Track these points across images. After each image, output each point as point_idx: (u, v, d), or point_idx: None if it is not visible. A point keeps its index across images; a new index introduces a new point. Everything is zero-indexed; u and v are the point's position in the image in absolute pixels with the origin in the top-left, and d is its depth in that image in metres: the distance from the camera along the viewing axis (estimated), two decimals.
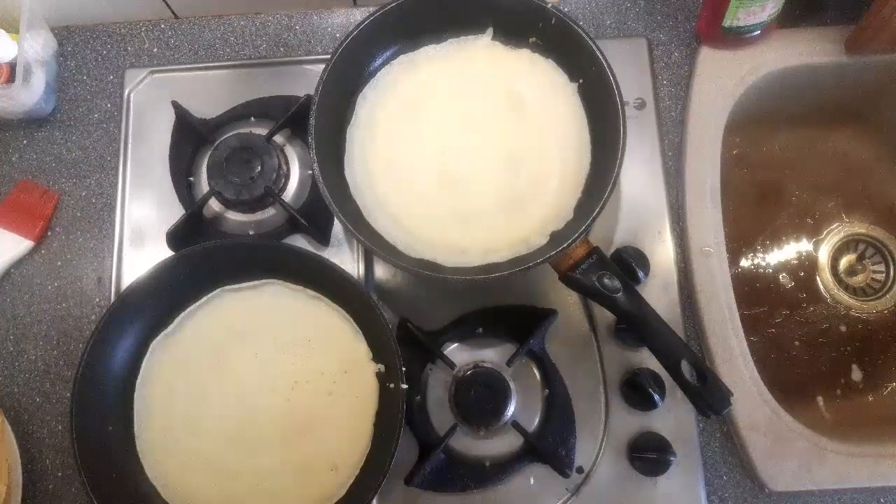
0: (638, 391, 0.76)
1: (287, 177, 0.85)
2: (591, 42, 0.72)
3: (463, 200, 0.75)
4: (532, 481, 0.77)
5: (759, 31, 0.84)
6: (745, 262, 1.02)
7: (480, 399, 0.76)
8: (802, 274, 1.01)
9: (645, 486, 0.76)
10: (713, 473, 0.78)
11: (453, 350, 0.80)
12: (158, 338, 0.77)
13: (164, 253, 0.80)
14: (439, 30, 0.80)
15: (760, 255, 1.02)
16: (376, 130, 0.78)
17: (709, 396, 0.64)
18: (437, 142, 0.77)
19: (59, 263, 0.86)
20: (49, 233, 0.87)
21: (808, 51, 0.87)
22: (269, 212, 0.85)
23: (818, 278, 1.01)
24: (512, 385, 0.77)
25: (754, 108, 0.91)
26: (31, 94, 0.86)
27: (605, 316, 0.80)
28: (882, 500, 0.77)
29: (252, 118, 0.87)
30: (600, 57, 0.72)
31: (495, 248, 0.73)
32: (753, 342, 0.95)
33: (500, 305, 0.81)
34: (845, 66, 0.88)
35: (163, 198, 0.85)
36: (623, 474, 0.76)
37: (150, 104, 0.89)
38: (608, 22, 0.91)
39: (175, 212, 0.84)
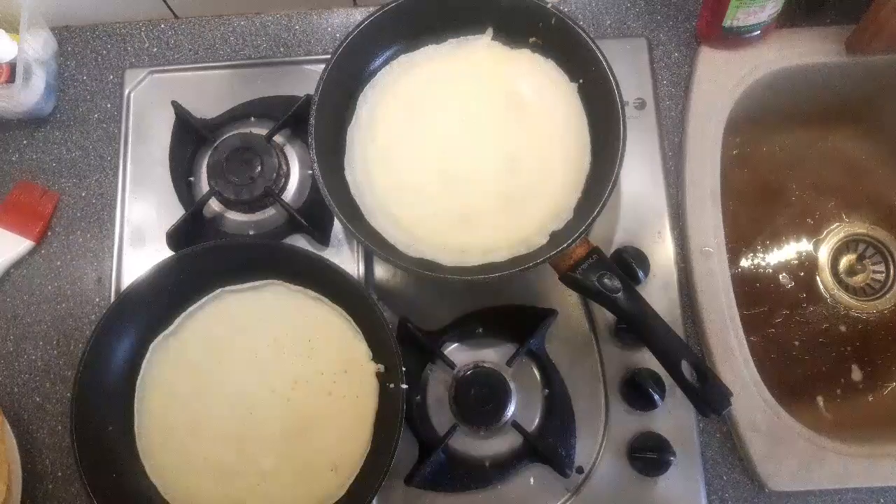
0: (638, 391, 0.76)
1: (287, 177, 0.85)
2: (591, 42, 0.72)
3: (463, 200, 0.75)
4: (532, 481, 0.77)
5: (759, 31, 0.84)
6: (745, 262, 1.02)
7: (480, 399, 0.76)
8: (802, 274, 1.01)
9: (645, 486, 0.76)
10: (713, 473, 0.78)
11: (453, 350, 0.80)
12: (159, 338, 0.77)
13: (164, 253, 0.80)
14: (439, 30, 0.80)
15: (760, 255, 1.02)
16: (376, 130, 0.78)
17: (709, 396, 0.64)
18: (438, 142, 0.77)
19: (59, 263, 0.86)
20: (49, 233, 0.87)
21: (808, 51, 0.87)
22: (269, 212, 0.85)
23: (818, 278, 1.01)
24: (512, 385, 0.77)
25: (754, 108, 0.91)
26: (31, 94, 0.86)
27: (605, 316, 0.80)
28: (882, 500, 0.77)
29: (252, 118, 0.87)
30: (600, 57, 0.72)
31: (495, 247, 0.73)
32: (753, 342, 0.95)
33: (500, 305, 0.81)
34: (845, 66, 0.88)
35: (163, 198, 0.85)
36: (623, 474, 0.76)
37: (150, 104, 0.89)
38: (608, 22, 0.91)
39: (175, 212, 0.84)
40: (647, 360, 0.78)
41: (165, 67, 0.91)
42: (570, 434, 0.77)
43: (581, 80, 0.76)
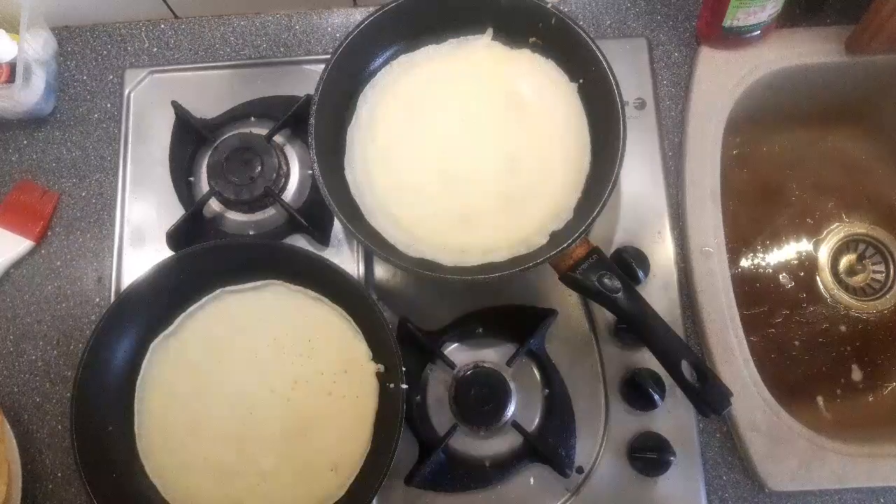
0: (638, 391, 0.76)
1: (287, 177, 0.85)
2: (591, 42, 0.72)
3: (463, 200, 0.75)
4: (532, 481, 0.77)
5: (759, 31, 0.84)
6: (745, 262, 1.02)
7: (480, 399, 0.76)
8: (802, 274, 1.01)
9: (645, 486, 0.76)
10: (713, 473, 0.78)
11: (453, 350, 0.80)
12: (159, 338, 0.77)
13: (164, 253, 0.80)
14: (439, 30, 0.80)
15: (760, 255, 1.02)
16: (376, 130, 0.78)
17: (709, 396, 0.64)
18: (438, 142, 0.77)
19: (59, 263, 0.86)
20: (49, 233, 0.87)
21: (808, 51, 0.87)
22: (269, 212, 0.85)
23: (818, 278, 1.01)
24: (512, 385, 0.77)
25: (754, 108, 0.91)
26: (31, 94, 0.86)
27: (605, 316, 0.80)
28: (882, 500, 0.77)
29: (252, 118, 0.87)
30: (600, 57, 0.72)
31: (495, 247, 0.73)
32: (753, 342, 0.95)
33: (500, 305, 0.81)
34: (845, 66, 0.88)
35: (163, 198, 0.85)
36: (623, 474, 0.76)
37: (150, 104, 0.89)
38: (608, 22, 0.91)
39: (175, 212, 0.84)
40: (647, 360, 0.78)
41: (165, 67, 0.91)
42: (570, 434, 0.77)
43: (581, 80, 0.76)
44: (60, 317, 0.84)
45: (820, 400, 0.93)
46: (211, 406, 0.75)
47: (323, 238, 0.83)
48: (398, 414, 0.69)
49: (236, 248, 0.78)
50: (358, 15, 0.93)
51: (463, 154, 0.77)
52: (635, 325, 0.68)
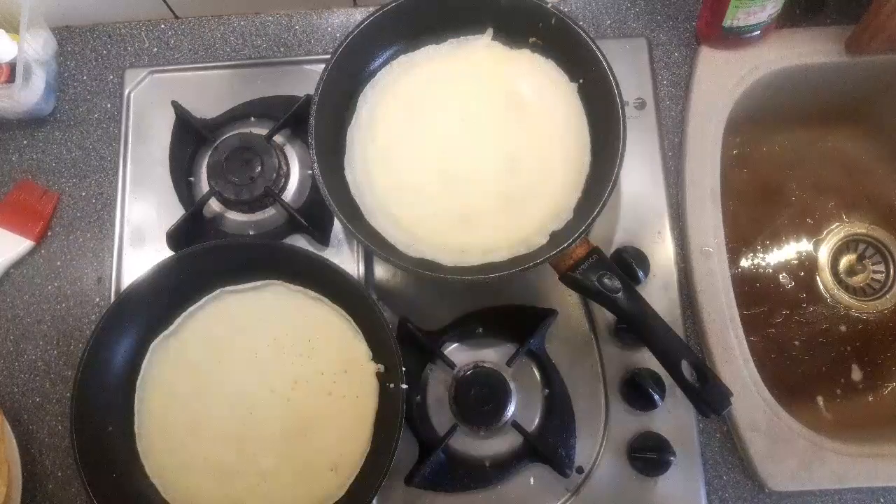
0: (638, 391, 0.76)
1: (287, 177, 0.85)
2: (591, 42, 0.72)
3: (463, 200, 0.75)
4: (532, 481, 0.77)
5: (759, 32, 0.84)
6: (745, 262, 1.02)
7: (480, 399, 0.76)
8: (802, 274, 1.01)
9: (645, 486, 0.76)
10: (713, 473, 0.78)
11: (453, 350, 0.80)
12: (159, 338, 0.77)
13: (164, 253, 0.80)
14: (439, 30, 0.80)
15: (760, 255, 1.02)
16: (376, 130, 0.78)
17: (709, 396, 0.64)
18: (438, 142, 0.77)
19: (59, 263, 0.86)
20: (49, 233, 0.87)
21: (808, 51, 0.87)
22: (269, 212, 0.85)
23: (818, 278, 1.01)
24: (512, 385, 0.77)
25: (754, 108, 0.91)
26: (31, 94, 0.86)
27: (605, 316, 0.80)
28: (882, 500, 0.77)
29: (252, 118, 0.87)
30: (600, 57, 0.72)
31: (495, 247, 0.73)
32: (753, 342, 0.95)
33: (500, 305, 0.81)
34: (845, 66, 0.88)
35: (163, 198, 0.85)
36: (623, 474, 0.76)
37: (150, 104, 0.89)
38: (608, 22, 0.91)
39: (175, 212, 0.84)
40: (647, 360, 0.78)
41: (165, 67, 0.91)
42: (570, 434, 0.77)
43: (581, 80, 0.76)
44: (60, 317, 0.84)
45: (820, 400, 0.93)
46: (211, 406, 0.75)
47: (323, 238, 0.83)
48: (398, 414, 0.69)
49: (236, 248, 0.78)
50: (358, 15, 0.93)
51: (463, 154, 0.77)
52: (635, 325, 0.68)
